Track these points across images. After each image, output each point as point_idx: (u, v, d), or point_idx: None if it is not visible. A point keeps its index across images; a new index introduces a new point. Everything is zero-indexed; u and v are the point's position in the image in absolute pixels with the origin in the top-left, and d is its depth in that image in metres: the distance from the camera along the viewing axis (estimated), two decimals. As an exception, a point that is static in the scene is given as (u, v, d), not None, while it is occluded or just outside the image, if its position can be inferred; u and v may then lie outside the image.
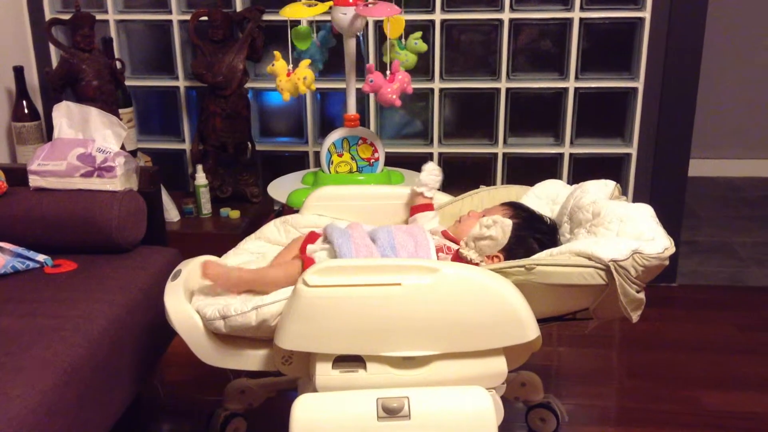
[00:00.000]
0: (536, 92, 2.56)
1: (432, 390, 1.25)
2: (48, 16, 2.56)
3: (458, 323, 1.24)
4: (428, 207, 1.64)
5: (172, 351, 1.76)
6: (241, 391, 1.73)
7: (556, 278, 1.26)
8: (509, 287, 1.25)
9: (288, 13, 2.01)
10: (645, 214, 1.38)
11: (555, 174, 2.61)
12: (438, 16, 2.48)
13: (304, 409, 1.23)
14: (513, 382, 1.75)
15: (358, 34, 2.09)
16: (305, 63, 1.98)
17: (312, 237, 1.51)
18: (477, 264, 1.34)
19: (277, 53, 2.00)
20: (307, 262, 1.40)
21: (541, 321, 1.30)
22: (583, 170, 2.59)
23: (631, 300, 1.26)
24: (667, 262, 1.27)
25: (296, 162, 2.70)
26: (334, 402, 1.24)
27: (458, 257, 1.38)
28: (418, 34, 2.08)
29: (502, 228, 1.38)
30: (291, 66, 2.00)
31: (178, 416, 1.95)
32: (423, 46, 2.07)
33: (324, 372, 1.26)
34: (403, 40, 2.09)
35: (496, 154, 2.61)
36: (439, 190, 1.68)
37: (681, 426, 1.87)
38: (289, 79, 1.98)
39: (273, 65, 2.00)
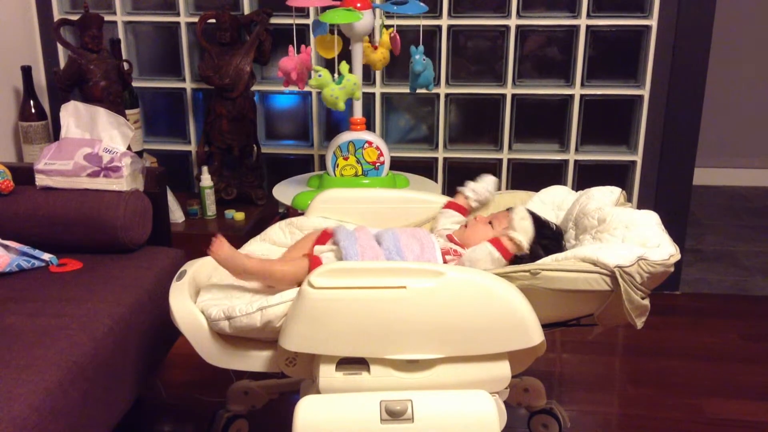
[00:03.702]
0: (542, 99, 2.56)
1: (435, 393, 1.25)
2: (57, 16, 2.58)
3: (463, 327, 1.24)
4: (463, 210, 1.65)
5: (175, 352, 1.77)
6: (243, 393, 1.73)
7: (561, 283, 1.26)
8: (514, 292, 1.25)
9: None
10: (650, 220, 1.38)
11: (560, 181, 2.61)
12: (445, 22, 2.49)
13: (307, 410, 1.23)
14: (516, 388, 1.74)
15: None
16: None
17: (324, 236, 1.51)
18: (525, 250, 1.39)
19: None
20: (314, 261, 1.40)
21: (545, 326, 1.30)
22: (588, 177, 2.59)
23: (636, 306, 1.26)
24: (672, 269, 1.27)
25: (301, 165, 2.70)
26: (338, 404, 1.24)
27: (500, 243, 1.40)
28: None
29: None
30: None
31: (180, 417, 1.95)
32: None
33: (327, 374, 1.26)
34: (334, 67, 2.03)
35: (501, 160, 2.61)
36: (478, 207, 1.70)
37: (683, 434, 1.87)
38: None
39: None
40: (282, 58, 2.00)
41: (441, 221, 1.63)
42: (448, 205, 1.67)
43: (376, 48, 2.08)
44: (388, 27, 2.10)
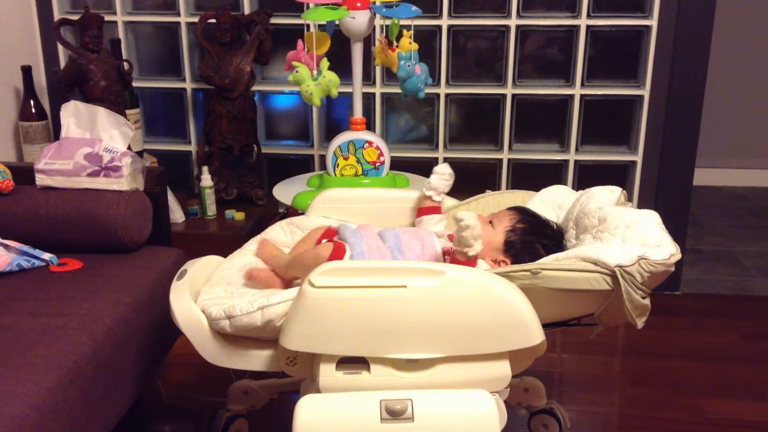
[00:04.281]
0: (542, 99, 2.57)
1: (436, 393, 1.25)
2: (57, 16, 2.58)
3: (463, 326, 1.24)
4: (435, 210, 1.64)
5: (175, 351, 1.77)
6: (244, 393, 1.73)
7: (562, 283, 1.26)
8: (515, 291, 1.25)
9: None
10: (651, 220, 1.38)
11: (560, 180, 2.61)
12: (445, 22, 2.49)
13: (307, 410, 1.23)
14: (516, 388, 1.74)
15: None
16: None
17: (329, 233, 1.51)
18: (476, 255, 1.33)
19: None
20: (337, 246, 1.40)
21: (545, 326, 1.30)
22: (588, 177, 2.59)
23: (636, 306, 1.26)
24: (672, 269, 1.27)
25: (301, 165, 2.71)
26: (338, 403, 1.24)
27: (456, 260, 1.37)
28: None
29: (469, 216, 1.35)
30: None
31: (180, 417, 1.95)
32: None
33: (328, 373, 1.26)
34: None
35: (501, 160, 2.61)
36: (447, 194, 1.68)
37: (684, 434, 1.87)
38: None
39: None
40: (290, 51, 2.01)
41: (423, 226, 1.61)
42: (421, 213, 1.64)
43: (394, 50, 2.06)
44: (408, 28, 2.08)
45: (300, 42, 2.03)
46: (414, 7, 2.03)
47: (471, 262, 1.35)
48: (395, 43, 2.04)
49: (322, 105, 2.06)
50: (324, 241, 1.49)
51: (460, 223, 1.31)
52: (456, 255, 1.36)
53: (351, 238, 1.43)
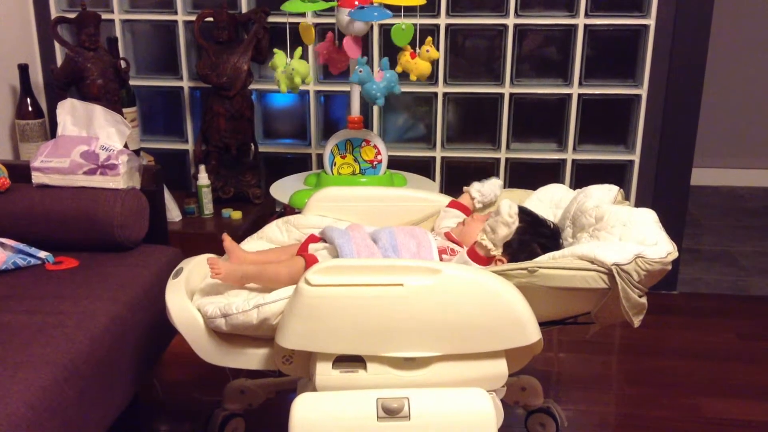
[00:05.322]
0: (540, 98, 2.56)
1: (432, 391, 1.25)
2: (54, 14, 2.57)
3: (460, 325, 1.24)
4: (467, 210, 1.64)
5: (172, 350, 1.76)
6: (240, 392, 1.73)
7: (559, 281, 1.26)
8: (511, 289, 1.25)
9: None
10: (648, 218, 1.38)
11: (557, 180, 2.61)
12: (443, 21, 2.49)
13: (303, 408, 1.23)
14: (513, 387, 1.74)
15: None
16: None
17: (312, 240, 1.51)
18: (494, 257, 1.35)
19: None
20: (309, 259, 1.40)
21: (542, 324, 1.30)
22: (586, 176, 2.59)
23: (633, 304, 1.26)
24: (669, 267, 1.27)
25: (299, 164, 2.70)
26: (334, 402, 1.24)
27: (474, 251, 1.38)
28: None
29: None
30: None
31: (176, 416, 1.94)
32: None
33: (324, 372, 1.26)
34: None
35: (498, 159, 2.61)
36: (481, 208, 1.69)
37: (681, 433, 1.87)
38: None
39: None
40: (319, 43, 2.07)
41: (445, 221, 1.62)
42: (452, 205, 1.66)
43: (414, 56, 2.03)
44: (431, 34, 2.07)
45: (330, 34, 2.05)
46: (377, 12, 1.95)
47: (487, 260, 1.36)
48: (418, 50, 2.03)
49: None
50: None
51: (507, 218, 1.33)
52: (476, 247, 1.36)
53: (339, 240, 1.42)
